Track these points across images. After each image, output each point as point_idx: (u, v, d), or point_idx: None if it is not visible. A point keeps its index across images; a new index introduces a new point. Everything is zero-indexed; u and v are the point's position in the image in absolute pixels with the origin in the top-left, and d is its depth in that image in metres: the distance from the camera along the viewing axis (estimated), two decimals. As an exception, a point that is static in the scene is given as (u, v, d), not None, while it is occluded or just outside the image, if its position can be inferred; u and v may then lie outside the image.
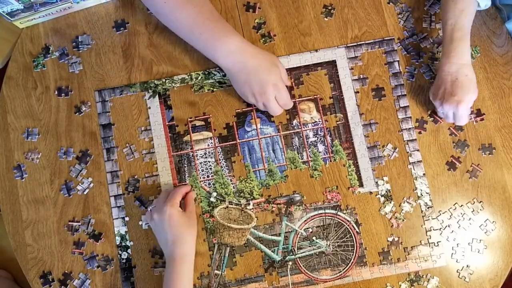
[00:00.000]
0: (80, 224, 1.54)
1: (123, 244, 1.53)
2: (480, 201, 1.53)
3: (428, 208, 1.52)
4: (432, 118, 1.56)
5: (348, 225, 1.52)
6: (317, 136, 1.57)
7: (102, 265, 1.53)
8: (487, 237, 1.52)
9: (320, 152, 1.55)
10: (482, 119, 1.56)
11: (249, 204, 1.53)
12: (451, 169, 1.54)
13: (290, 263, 1.51)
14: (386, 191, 1.53)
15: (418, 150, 1.55)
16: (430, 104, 1.55)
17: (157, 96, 1.59)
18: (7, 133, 1.59)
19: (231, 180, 1.55)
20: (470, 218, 1.52)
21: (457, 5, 1.45)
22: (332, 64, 1.59)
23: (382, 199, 1.52)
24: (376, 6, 1.62)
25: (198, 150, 1.57)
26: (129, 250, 1.53)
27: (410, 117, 1.56)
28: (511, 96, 1.57)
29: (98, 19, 1.64)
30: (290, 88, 1.57)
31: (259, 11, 1.63)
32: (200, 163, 1.56)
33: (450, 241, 1.51)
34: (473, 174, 1.54)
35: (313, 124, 1.57)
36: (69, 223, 1.55)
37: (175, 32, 1.53)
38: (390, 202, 1.52)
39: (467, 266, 1.50)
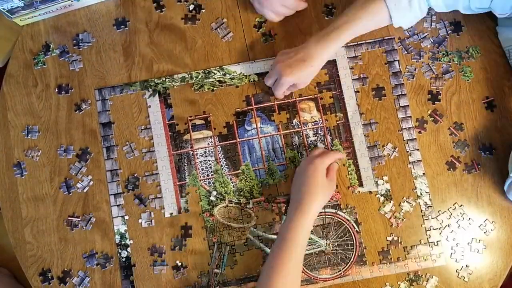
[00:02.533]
0: (79, 219, 1.54)
1: (123, 242, 1.53)
2: (476, 213, 1.53)
3: (427, 207, 1.52)
4: (432, 118, 1.56)
5: (347, 224, 1.52)
6: (317, 135, 1.57)
7: (102, 263, 1.53)
8: (487, 237, 1.52)
9: (320, 152, 1.56)
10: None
11: (249, 203, 1.53)
12: (451, 169, 1.54)
13: (290, 262, 1.51)
14: (385, 191, 1.53)
15: (418, 149, 1.55)
16: (430, 103, 1.56)
17: (157, 94, 1.59)
18: (7, 130, 1.59)
19: (231, 179, 1.55)
20: (469, 218, 1.52)
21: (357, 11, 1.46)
22: (332, 64, 1.59)
23: (382, 198, 1.53)
24: (377, 5, 1.62)
25: (198, 149, 1.57)
26: (128, 249, 1.53)
27: (410, 117, 1.56)
28: (511, 96, 1.57)
29: (98, 17, 1.64)
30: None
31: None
32: (200, 162, 1.56)
33: (449, 241, 1.51)
34: (469, 170, 1.54)
35: (313, 124, 1.57)
36: (69, 218, 1.55)
37: None
38: (390, 202, 1.53)
39: (467, 266, 1.50)
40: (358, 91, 1.58)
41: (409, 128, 1.56)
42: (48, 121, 1.59)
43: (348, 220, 1.52)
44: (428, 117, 1.57)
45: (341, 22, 1.44)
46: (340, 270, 1.51)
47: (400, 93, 1.57)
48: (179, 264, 1.52)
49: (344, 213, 1.53)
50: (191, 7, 1.63)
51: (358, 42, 1.60)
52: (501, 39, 1.58)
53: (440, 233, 1.51)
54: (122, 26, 1.63)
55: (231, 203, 1.53)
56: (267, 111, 1.58)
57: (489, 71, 1.58)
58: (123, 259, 1.53)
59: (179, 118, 1.58)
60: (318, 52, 1.45)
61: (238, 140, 1.57)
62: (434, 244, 1.51)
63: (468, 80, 1.57)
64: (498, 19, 1.58)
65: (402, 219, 1.52)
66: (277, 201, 1.53)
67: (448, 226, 1.52)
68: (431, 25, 1.61)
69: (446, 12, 1.48)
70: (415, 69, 1.59)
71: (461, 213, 1.52)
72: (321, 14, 1.62)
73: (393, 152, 1.55)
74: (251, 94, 1.59)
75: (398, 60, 1.59)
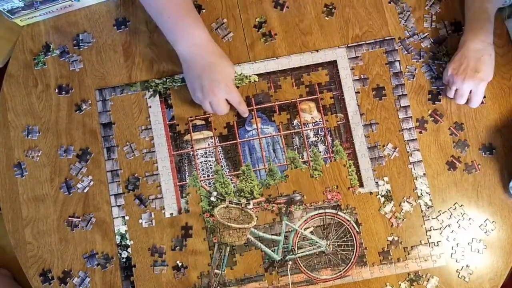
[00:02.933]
0: (80, 220, 1.54)
1: (123, 243, 1.53)
2: (477, 213, 1.53)
3: (428, 208, 1.52)
4: (433, 118, 1.56)
5: (348, 225, 1.52)
6: (318, 136, 1.57)
7: (102, 263, 1.53)
8: (487, 237, 1.52)
9: (320, 152, 1.56)
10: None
11: (249, 203, 1.53)
12: (451, 169, 1.54)
13: (290, 262, 1.51)
14: (386, 192, 1.53)
15: (418, 150, 1.55)
16: (430, 103, 1.56)
17: (157, 95, 1.59)
18: (8, 131, 1.58)
19: (231, 180, 1.55)
20: (470, 218, 1.52)
21: None
22: (333, 64, 1.59)
23: (382, 199, 1.53)
24: (377, 5, 1.62)
25: (198, 149, 1.57)
26: (129, 249, 1.53)
27: (411, 117, 1.56)
28: (511, 96, 1.57)
29: (99, 17, 1.64)
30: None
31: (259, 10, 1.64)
32: (201, 162, 1.56)
33: (450, 241, 1.51)
34: (469, 170, 1.54)
35: (313, 124, 1.57)
36: (69, 218, 1.55)
37: (145, 7, 1.52)
38: (390, 202, 1.53)
39: (467, 266, 1.50)
40: (358, 92, 1.58)
41: (410, 128, 1.56)
42: (48, 121, 1.59)
43: (348, 220, 1.52)
44: (429, 117, 1.57)
45: (477, 5, 1.49)
46: (341, 271, 1.51)
47: (400, 93, 1.57)
48: (180, 264, 1.52)
49: (345, 213, 1.53)
50: (191, 7, 1.63)
51: (359, 43, 1.60)
52: (510, 28, 1.60)
53: (441, 233, 1.52)
54: (123, 27, 1.63)
55: (232, 204, 1.53)
56: (267, 112, 1.58)
57: (489, 71, 1.58)
58: (124, 260, 1.53)
59: (180, 119, 1.58)
60: (481, 39, 1.47)
61: (239, 140, 1.57)
62: (434, 244, 1.51)
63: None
64: (507, 10, 1.59)
65: (403, 219, 1.52)
66: (278, 201, 1.53)
67: (449, 226, 1.52)
68: (431, 25, 1.61)
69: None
70: (416, 69, 1.59)
71: (461, 213, 1.52)
72: (321, 14, 1.62)
73: (394, 152, 1.55)
74: (252, 95, 1.59)
75: (398, 60, 1.59)
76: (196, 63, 1.47)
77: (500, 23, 1.60)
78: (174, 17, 1.47)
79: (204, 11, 1.63)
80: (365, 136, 1.56)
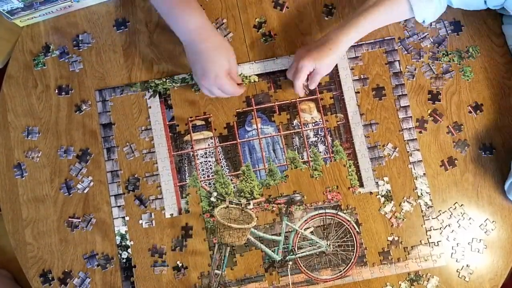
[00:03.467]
0: (80, 220, 1.54)
1: (123, 243, 1.53)
2: (477, 212, 1.54)
3: (428, 207, 1.53)
4: (432, 118, 1.56)
5: (348, 225, 1.52)
6: (318, 136, 1.57)
7: (102, 264, 1.53)
8: (487, 237, 1.52)
9: (320, 152, 1.56)
10: (481, 111, 1.58)
11: (249, 203, 1.53)
12: (452, 169, 1.54)
13: (291, 263, 1.51)
14: (386, 192, 1.53)
15: (418, 149, 1.55)
16: (430, 103, 1.57)
17: (157, 95, 1.59)
18: (8, 131, 1.58)
19: (231, 180, 1.55)
20: (470, 218, 1.52)
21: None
22: (332, 64, 1.59)
23: (382, 199, 1.53)
24: (377, 5, 1.62)
25: (198, 149, 1.57)
26: (129, 250, 1.53)
27: (411, 117, 1.56)
28: (511, 96, 1.57)
29: (98, 18, 1.64)
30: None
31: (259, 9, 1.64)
32: (201, 162, 1.56)
33: (450, 241, 1.51)
34: (469, 170, 1.55)
35: (313, 124, 1.57)
36: (69, 219, 1.55)
37: None
38: (390, 202, 1.53)
39: (467, 265, 1.50)
40: (358, 92, 1.58)
41: (410, 128, 1.56)
42: (48, 122, 1.59)
43: (348, 220, 1.52)
44: (428, 117, 1.57)
45: (362, 9, 1.46)
46: (341, 271, 1.51)
47: (400, 93, 1.57)
48: (180, 264, 1.52)
49: (345, 213, 1.53)
50: (191, 7, 1.63)
51: (358, 43, 1.59)
52: (507, 36, 1.58)
53: (441, 233, 1.52)
54: (122, 27, 1.63)
55: (232, 204, 1.53)
56: (267, 112, 1.58)
57: (489, 71, 1.58)
58: (124, 260, 1.53)
59: (180, 119, 1.58)
60: (337, 36, 1.45)
61: (239, 140, 1.57)
62: (434, 244, 1.51)
63: (468, 80, 1.57)
64: (503, 18, 1.58)
65: (403, 219, 1.52)
66: (278, 202, 1.53)
67: (449, 226, 1.52)
68: (431, 25, 1.61)
69: (460, 9, 1.52)
70: (415, 69, 1.59)
71: (461, 213, 1.52)
72: (321, 14, 1.62)
73: (394, 152, 1.55)
74: (252, 95, 1.59)
75: (398, 60, 1.59)
76: (191, 49, 1.47)
77: (500, 23, 1.60)
78: (170, 2, 1.46)
79: (204, 11, 1.63)
80: (365, 136, 1.56)
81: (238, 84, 1.52)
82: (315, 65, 1.45)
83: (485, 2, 1.47)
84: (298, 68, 1.46)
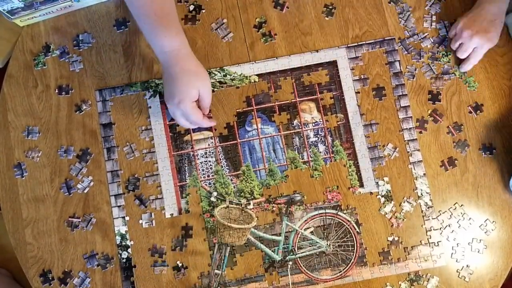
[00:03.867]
0: (80, 220, 1.54)
1: (123, 243, 1.53)
2: (477, 213, 1.54)
3: (428, 208, 1.53)
4: (432, 118, 1.56)
5: (348, 225, 1.52)
6: (318, 136, 1.57)
7: (102, 264, 1.53)
8: (487, 237, 1.52)
9: (320, 152, 1.56)
10: (481, 111, 1.58)
11: (249, 203, 1.53)
12: (452, 169, 1.54)
13: (291, 263, 1.51)
14: (386, 192, 1.53)
15: (418, 150, 1.55)
16: (430, 103, 1.56)
17: (157, 95, 1.59)
18: (8, 131, 1.58)
19: (231, 180, 1.55)
20: (470, 218, 1.52)
21: None
22: (333, 65, 1.59)
23: (383, 199, 1.53)
24: (377, 5, 1.62)
25: (198, 149, 1.57)
26: (129, 250, 1.53)
27: (411, 117, 1.57)
28: (511, 96, 1.57)
29: (98, 18, 1.64)
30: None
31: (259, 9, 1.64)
32: (201, 162, 1.56)
33: (450, 241, 1.51)
34: (469, 170, 1.55)
35: (313, 124, 1.57)
36: (69, 219, 1.54)
37: (130, 11, 1.49)
38: (390, 202, 1.53)
39: (467, 266, 1.50)
40: (358, 92, 1.58)
41: (410, 128, 1.56)
42: (48, 122, 1.59)
43: (348, 221, 1.52)
44: (429, 117, 1.57)
45: None
46: (341, 271, 1.51)
47: (400, 94, 1.57)
48: (180, 264, 1.52)
49: (345, 214, 1.53)
50: (191, 7, 1.63)
51: (359, 43, 1.60)
52: (509, 25, 1.60)
53: (441, 233, 1.52)
54: (122, 27, 1.63)
55: (232, 204, 1.53)
56: (267, 112, 1.58)
57: (489, 71, 1.58)
58: (124, 260, 1.53)
59: (179, 119, 1.58)
60: (502, 3, 1.53)
61: (239, 140, 1.57)
62: (434, 244, 1.51)
63: (474, 90, 1.57)
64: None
65: (403, 220, 1.52)
66: (278, 202, 1.53)
67: (449, 226, 1.52)
68: (431, 25, 1.61)
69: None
70: (416, 69, 1.59)
71: (461, 213, 1.52)
72: (321, 14, 1.62)
73: (394, 152, 1.55)
74: (252, 95, 1.59)
75: (398, 61, 1.59)
76: (164, 70, 1.46)
77: (500, 23, 1.60)
78: (149, 22, 1.43)
79: (204, 11, 1.63)
80: (365, 136, 1.56)
81: (209, 117, 1.52)
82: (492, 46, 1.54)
83: None
84: (479, 53, 1.54)
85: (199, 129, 1.57)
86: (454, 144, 1.55)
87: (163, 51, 1.43)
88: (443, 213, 1.53)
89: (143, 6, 1.43)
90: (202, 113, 1.47)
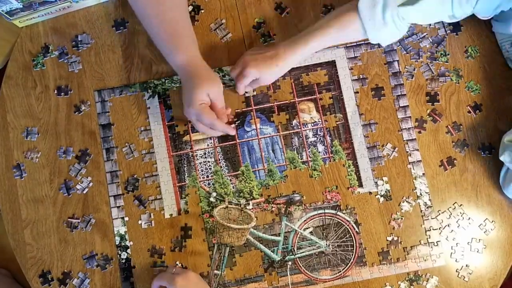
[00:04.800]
0: (79, 221, 1.54)
1: (123, 244, 1.53)
2: (476, 212, 1.54)
3: (427, 207, 1.53)
4: (431, 118, 1.56)
5: (347, 225, 1.52)
6: (317, 136, 1.57)
7: (102, 264, 1.53)
8: (487, 237, 1.52)
9: (319, 152, 1.56)
10: (480, 111, 1.58)
11: (248, 204, 1.53)
12: (451, 169, 1.54)
13: (290, 263, 1.51)
14: (385, 192, 1.53)
15: (417, 149, 1.55)
16: (429, 104, 1.56)
17: (156, 96, 1.59)
18: (7, 132, 1.58)
19: (230, 180, 1.55)
20: (469, 218, 1.52)
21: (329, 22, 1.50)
22: (331, 64, 1.59)
23: (382, 199, 1.53)
24: (376, 5, 1.62)
25: (197, 150, 1.57)
26: (128, 250, 1.53)
27: (410, 117, 1.57)
28: (511, 96, 1.57)
29: (97, 18, 1.64)
30: (235, 119, 1.60)
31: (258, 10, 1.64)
32: (200, 163, 1.56)
33: (449, 241, 1.51)
34: (469, 170, 1.56)
35: (312, 124, 1.57)
36: (69, 219, 1.54)
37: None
38: (390, 202, 1.53)
39: (467, 265, 1.50)
40: (357, 92, 1.58)
41: (409, 128, 1.56)
42: (47, 122, 1.59)
43: (348, 221, 1.52)
44: (428, 117, 1.57)
45: (313, 28, 1.49)
46: (340, 271, 1.51)
47: (399, 93, 1.58)
48: (179, 265, 1.52)
49: (344, 214, 1.53)
50: (190, 8, 1.63)
51: (358, 43, 1.60)
52: (495, 32, 1.59)
53: (440, 233, 1.52)
54: (121, 27, 1.63)
55: (231, 204, 1.53)
56: (266, 112, 1.58)
57: (488, 70, 1.58)
58: (123, 261, 1.53)
59: (179, 119, 1.58)
60: (286, 53, 1.49)
61: (238, 141, 1.57)
62: (434, 244, 1.51)
63: (479, 93, 1.58)
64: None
65: (401, 218, 1.52)
66: (277, 202, 1.53)
67: (448, 226, 1.52)
68: (429, 25, 1.61)
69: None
70: (414, 69, 1.59)
71: (460, 213, 1.52)
72: (320, 15, 1.62)
73: (393, 152, 1.55)
74: (251, 95, 1.58)
75: (397, 60, 1.59)
76: (182, 83, 1.51)
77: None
78: (161, 38, 1.50)
79: (203, 11, 1.63)
80: (364, 136, 1.56)
81: (227, 123, 1.53)
82: (260, 75, 1.50)
83: (452, 15, 1.47)
84: (243, 74, 1.50)
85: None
86: (453, 144, 1.55)
87: (177, 65, 1.48)
88: (442, 213, 1.53)
89: (154, 27, 1.50)
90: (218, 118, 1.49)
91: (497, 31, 1.57)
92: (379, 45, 1.57)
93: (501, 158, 1.46)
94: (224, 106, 1.50)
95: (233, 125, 1.57)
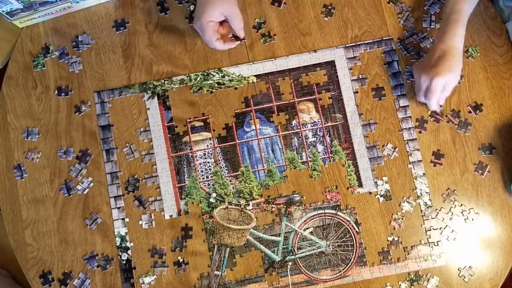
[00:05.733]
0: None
1: (123, 245, 1.53)
2: (477, 213, 1.54)
3: (427, 207, 1.52)
4: (433, 118, 1.56)
5: (347, 225, 1.52)
6: (317, 136, 1.57)
7: (102, 265, 1.53)
8: (487, 237, 1.52)
9: (319, 152, 1.56)
10: (481, 111, 1.57)
11: (248, 204, 1.53)
12: (452, 169, 1.54)
13: (290, 263, 1.51)
14: (385, 192, 1.53)
15: (418, 149, 1.55)
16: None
17: (156, 97, 1.59)
18: (7, 132, 1.59)
19: (230, 181, 1.55)
20: (469, 218, 1.52)
21: None
22: (331, 65, 1.59)
23: (382, 199, 1.52)
24: (376, 5, 1.62)
25: (197, 150, 1.57)
26: (129, 251, 1.53)
27: (410, 117, 1.56)
28: (511, 96, 1.56)
29: (98, 19, 1.64)
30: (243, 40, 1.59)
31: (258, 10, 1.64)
32: (200, 163, 1.56)
33: (449, 241, 1.51)
34: (468, 170, 1.55)
35: (312, 124, 1.57)
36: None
37: None
38: (390, 202, 1.52)
39: (467, 265, 1.50)
40: (357, 92, 1.58)
41: (409, 128, 1.56)
42: (48, 123, 1.59)
43: (348, 220, 1.52)
44: (428, 117, 1.56)
45: (447, 5, 1.50)
46: (341, 271, 1.51)
47: (399, 93, 1.57)
48: (181, 260, 1.52)
49: (344, 214, 1.53)
50: (192, 7, 1.63)
51: (357, 43, 1.59)
52: (511, 32, 1.59)
53: (441, 233, 1.51)
54: (122, 28, 1.63)
55: (231, 205, 1.53)
56: (266, 113, 1.58)
57: (489, 70, 1.58)
58: (124, 262, 1.53)
59: (178, 120, 1.58)
60: (447, 40, 1.47)
61: (238, 141, 1.57)
62: (434, 244, 1.51)
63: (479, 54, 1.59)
64: (507, 12, 1.58)
65: (402, 218, 1.52)
66: (277, 202, 1.53)
67: (448, 226, 1.52)
68: (430, 25, 1.60)
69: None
70: (415, 69, 1.59)
71: (461, 213, 1.52)
72: (320, 15, 1.62)
73: (393, 152, 1.55)
74: (250, 96, 1.59)
75: (397, 60, 1.59)
76: None
77: (500, 23, 1.60)
78: None
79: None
80: (364, 136, 1.56)
81: (232, 39, 1.56)
82: (446, 77, 1.45)
83: None
84: (432, 89, 1.46)
85: (198, 130, 1.57)
86: (454, 144, 1.55)
87: None
88: (443, 213, 1.52)
89: None
90: (237, 35, 1.54)
91: None
92: (383, 43, 1.57)
93: None
94: (242, 24, 1.53)
95: (238, 42, 1.57)
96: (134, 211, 1.54)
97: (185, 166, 1.57)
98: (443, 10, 1.51)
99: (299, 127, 1.57)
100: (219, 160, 1.56)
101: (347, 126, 1.57)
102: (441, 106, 1.54)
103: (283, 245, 1.52)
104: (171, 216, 1.54)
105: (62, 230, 1.55)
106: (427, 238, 1.51)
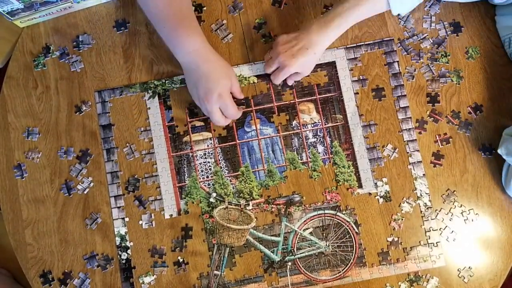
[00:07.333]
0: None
1: (123, 244, 1.53)
2: (476, 213, 1.54)
3: (427, 208, 1.52)
4: (432, 118, 1.56)
5: (347, 226, 1.52)
6: (317, 137, 1.57)
7: (102, 265, 1.53)
8: (487, 238, 1.52)
9: (319, 153, 1.56)
10: (481, 112, 1.57)
11: (248, 204, 1.53)
12: (451, 169, 1.54)
13: (290, 263, 1.51)
14: (385, 192, 1.53)
15: (418, 150, 1.55)
16: (430, 105, 1.56)
17: (156, 96, 1.59)
18: (8, 132, 1.59)
19: (230, 181, 1.55)
20: (469, 219, 1.52)
21: None
22: (331, 65, 1.59)
23: (381, 200, 1.53)
24: (377, 6, 1.62)
25: (197, 150, 1.57)
26: (129, 251, 1.53)
27: (410, 118, 1.56)
28: (511, 96, 1.57)
29: (98, 19, 1.64)
30: (243, 100, 1.59)
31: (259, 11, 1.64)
32: (200, 163, 1.56)
33: (449, 242, 1.51)
34: (468, 170, 1.55)
35: (312, 125, 1.57)
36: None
37: (145, 14, 1.54)
38: (390, 203, 1.53)
39: (467, 266, 1.50)
40: (357, 93, 1.58)
41: (409, 129, 1.56)
42: (48, 122, 1.59)
43: (347, 221, 1.52)
44: (428, 117, 1.56)
45: (342, 9, 1.47)
46: (340, 272, 1.51)
47: (400, 94, 1.57)
48: (181, 260, 1.52)
49: (344, 214, 1.53)
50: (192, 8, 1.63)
51: (357, 44, 1.60)
52: (499, 28, 1.58)
53: (440, 234, 1.52)
54: (122, 28, 1.63)
55: (231, 205, 1.53)
56: (266, 113, 1.58)
57: (489, 71, 1.58)
58: (124, 262, 1.53)
59: (179, 120, 1.58)
60: (320, 39, 1.48)
61: (238, 141, 1.57)
62: (434, 245, 1.51)
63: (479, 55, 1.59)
64: (496, 8, 1.58)
65: (401, 219, 1.52)
66: (277, 202, 1.53)
67: (448, 226, 1.52)
68: (430, 25, 1.61)
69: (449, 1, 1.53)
70: (415, 70, 1.59)
71: (461, 214, 1.52)
72: (320, 15, 1.62)
73: (393, 153, 1.55)
74: (251, 96, 1.59)
75: (397, 61, 1.59)
76: (192, 71, 1.48)
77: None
78: (169, 25, 1.47)
79: (205, 8, 1.63)
80: (364, 137, 1.56)
81: (238, 106, 1.55)
82: (301, 70, 1.52)
83: None
84: (283, 73, 1.51)
85: (198, 130, 1.57)
86: (454, 144, 1.55)
87: (188, 52, 1.47)
88: (442, 213, 1.53)
89: (162, 10, 1.46)
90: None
91: (503, 25, 1.57)
92: (384, 44, 1.57)
93: (499, 151, 1.47)
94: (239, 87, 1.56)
95: (241, 107, 1.58)
96: (134, 211, 1.55)
97: (185, 165, 1.57)
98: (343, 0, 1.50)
99: (299, 128, 1.57)
100: (219, 160, 1.57)
101: (347, 127, 1.57)
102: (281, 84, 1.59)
103: (282, 245, 1.52)
104: (171, 215, 1.54)
105: (62, 230, 1.55)
106: (427, 239, 1.51)
